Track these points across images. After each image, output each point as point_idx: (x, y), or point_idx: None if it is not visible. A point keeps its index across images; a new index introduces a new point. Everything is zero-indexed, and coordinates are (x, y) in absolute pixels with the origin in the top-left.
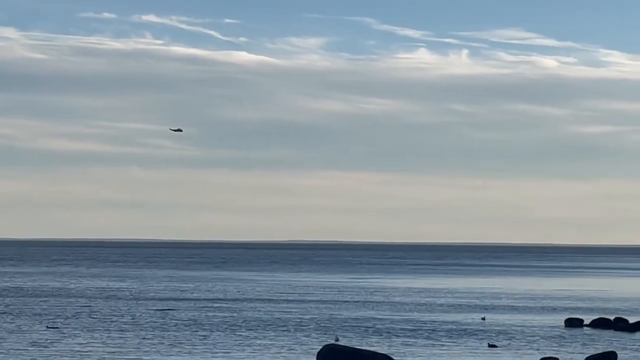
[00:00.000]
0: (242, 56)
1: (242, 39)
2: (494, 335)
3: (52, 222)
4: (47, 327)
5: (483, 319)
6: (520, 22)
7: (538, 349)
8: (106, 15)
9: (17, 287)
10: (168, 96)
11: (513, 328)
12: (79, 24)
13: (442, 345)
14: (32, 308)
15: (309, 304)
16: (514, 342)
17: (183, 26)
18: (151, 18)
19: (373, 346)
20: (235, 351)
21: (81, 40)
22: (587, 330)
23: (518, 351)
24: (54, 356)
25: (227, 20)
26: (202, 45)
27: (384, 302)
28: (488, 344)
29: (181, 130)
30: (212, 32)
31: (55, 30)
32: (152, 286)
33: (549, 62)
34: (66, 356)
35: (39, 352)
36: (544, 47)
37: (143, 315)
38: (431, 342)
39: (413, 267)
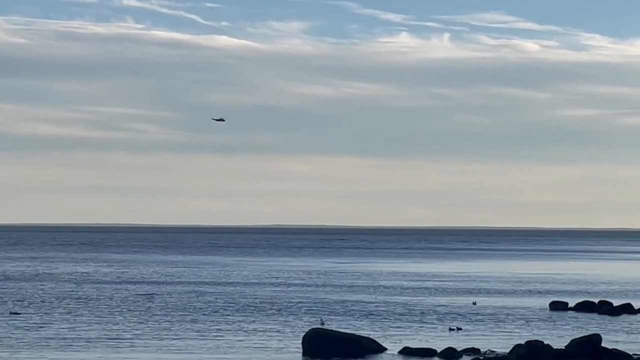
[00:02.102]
0: (224, 40)
1: (223, 23)
2: (484, 318)
3: (37, 207)
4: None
5: (474, 303)
6: (501, 5)
7: (530, 332)
8: None
9: (1, 272)
10: (150, 81)
11: (501, 311)
12: (59, 8)
13: (434, 328)
14: (17, 292)
15: (295, 288)
16: (500, 325)
17: (164, 10)
18: (132, 2)
19: (358, 330)
20: (221, 334)
21: (62, 25)
22: (571, 313)
23: (502, 334)
24: (44, 340)
25: (208, 5)
26: (183, 30)
27: (370, 286)
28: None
29: (223, 120)
30: (193, 16)
31: (36, 14)
32: (138, 271)
33: (531, 46)
34: (55, 340)
35: (27, 337)
36: (526, 30)
37: (130, 299)
38: (419, 325)
39: (398, 251)
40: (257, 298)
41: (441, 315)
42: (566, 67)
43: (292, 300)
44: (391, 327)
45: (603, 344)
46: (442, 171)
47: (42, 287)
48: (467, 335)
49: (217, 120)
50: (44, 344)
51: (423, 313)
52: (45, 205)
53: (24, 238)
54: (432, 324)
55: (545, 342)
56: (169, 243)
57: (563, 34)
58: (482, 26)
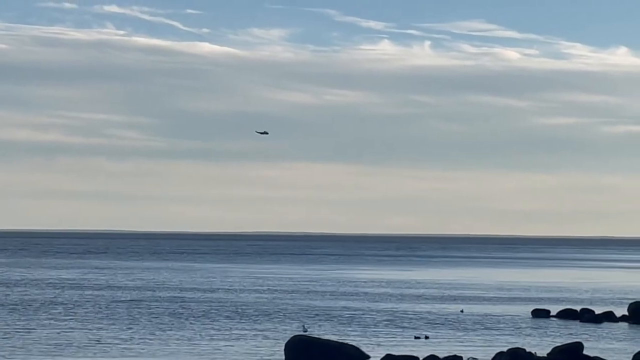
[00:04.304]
0: (205, 47)
1: (204, 29)
2: (466, 325)
3: (17, 212)
4: None
5: (462, 311)
6: (482, 13)
7: (512, 339)
8: (67, 5)
9: None
10: (131, 87)
11: (483, 318)
12: (39, 13)
13: (416, 335)
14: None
15: (278, 295)
16: (483, 332)
17: (145, 16)
18: (112, 8)
19: (341, 337)
20: (204, 341)
21: (42, 30)
22: (554, 321)
23: (485, 341)
24: (35, 343)
25: (189, 11)
26: (164, 36)
27: (352, 293)
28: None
29: (267, 133)
30: (175, 23)
31: (16, 20)
32: (120, 277)
33: (511, 54)
34: (45, 344)
35: (18, 340)
36: (506, 38)
37: (114, 305)
38: (402, 332)
39: (379, 258)
40: (239, 305)
41: (424, 323)
42: (547, 75)
43: (275, 307)
44: (374, 334)
45: (585, 352)
46: (423, 178)
47: (24, 292)
48: (449, 342)
49: (261, 133)
50: (30, 348)
51: (405, 320)
52: (25, 211)
53: (9, 244)
54: (415, 331)
55: (528, 350)
56: (151, 250)
57: (544, 42)
58: (463, 34)
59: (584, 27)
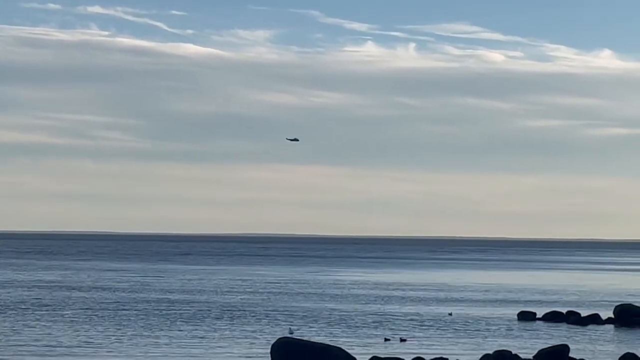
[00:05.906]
0: (190, 48)
1: (188, 31)
2: (452, 327)
3: (2, 213)
4: None
5: (450, 314)
6: (467, 16)
7: (498, 342)
8: (51, 6)
9: None
10: (115, 88)
11: (469, 321)
12: (23, 14)
13: (386, 337)
14: None
15: (264, 297)
16: (469, 334)
17: (129, 17)
18: (96, 9)
19: (327, 339)
20: (190, 343)
21: (26, 31)
22: (540, 323)
23: (471, 344)
24: (23, 345)
25: (174, 12)
26: (148, 37)
27: (339, 295)
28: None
29: (297, 140)
30: (159, 24)
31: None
32: (107, 279)
33: (496, 56)
34: (33, 345)
35: (6, 342)
36: (491, 41)
37: (99, 307)
38: (388, 334)
39: (366, 260)
40: (226, 306)
41: (411, 325)
42: (531, 77)
43: (261, 309)
44: (361, 336)
45: (570, 354)
46: (408, 180)
47: (10, 293)
48: (436, 344)
49: (292, 140)
50: (19, 349)
51: (392, 322)
52: (11, 212)
53: None
54: (402, 333)
55: (514, 352)
56: (137, 251)
57: (528, 44)
58: (447, 36)
59: (569, 30)
